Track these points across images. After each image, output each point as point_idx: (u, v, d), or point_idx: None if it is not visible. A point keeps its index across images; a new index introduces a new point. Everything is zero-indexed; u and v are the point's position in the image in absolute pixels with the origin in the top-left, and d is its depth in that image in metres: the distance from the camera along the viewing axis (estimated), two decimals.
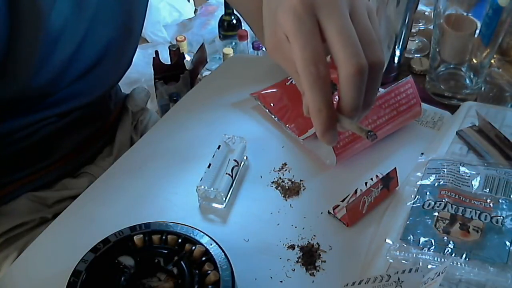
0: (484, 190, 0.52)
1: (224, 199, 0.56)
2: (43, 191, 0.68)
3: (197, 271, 0.44)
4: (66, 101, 0.64)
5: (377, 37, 0.41)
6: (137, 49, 0.74)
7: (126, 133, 0.79)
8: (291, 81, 0.70)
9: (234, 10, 1.88)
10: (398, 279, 0.41)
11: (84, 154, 0.72)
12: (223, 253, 0.45)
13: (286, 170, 0.61)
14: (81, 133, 0.70)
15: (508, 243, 0.46)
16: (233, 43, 1.90)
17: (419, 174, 0.55)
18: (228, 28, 1.95)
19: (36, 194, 0.67)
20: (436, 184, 0.53)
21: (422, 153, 0.58)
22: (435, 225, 0.49)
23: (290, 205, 0.57)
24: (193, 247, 0.46)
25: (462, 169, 0.54)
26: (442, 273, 0.38)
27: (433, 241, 0.48)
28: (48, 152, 0.67)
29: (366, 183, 0.56)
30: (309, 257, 0.51)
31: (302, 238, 0.53)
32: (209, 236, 0.47)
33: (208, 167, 0.57)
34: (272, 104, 0.67)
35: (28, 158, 0.66)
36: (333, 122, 0.41)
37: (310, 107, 0.40)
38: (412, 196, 0.53)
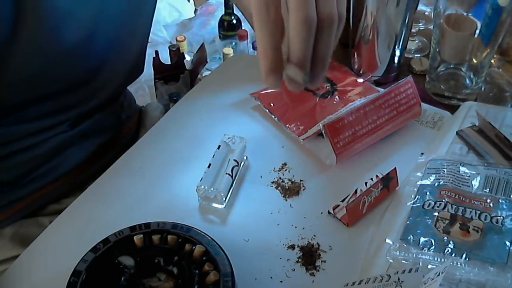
0: (484, 190, 0.52)
1: (224, 199, 0.56)
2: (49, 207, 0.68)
3: (197, 271, 0.44)
4: (74, 107, 0.64)
5: None
6: None
7: None
8: None
9: (234, 10, 1.87)
10: (398, 279, 0.41)
11: (94, 166, 0.71)
12: (223, 253, 0.45)
13: (286, 170, 0.61)
14: (91, 144, 0.69)
15: (508, 243, 0.46)
16: (233, 43, 1.89)
17: (419, 174, 0.55)
18: (228, 28, 1.95)
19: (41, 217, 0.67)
20: (436, 184, 0.53)
21: (422, 153, 0.58)
22: (435, 225, 0.49)
23: (290, 205, 0.57)
24: (193, 247, 0.46)
25: (462, 169, 0.54)
26: (442, 273, 0.38)
27: (433, 241, 0.48)
28: (58, 163, 0.66)
29: (366, 183, 0.56)
30: (309, 257, 0.51)
31: (302, 238, 0.53)
32: (209, 236, 0.47)
33: (208, 167, 0.57)
34: (272, 104, 0.67)
35: (38, 170, 0.64)
36: (278, 65, 0.42)
37: (258, 47, 0.41)
38: (412, 196, 0.53)
